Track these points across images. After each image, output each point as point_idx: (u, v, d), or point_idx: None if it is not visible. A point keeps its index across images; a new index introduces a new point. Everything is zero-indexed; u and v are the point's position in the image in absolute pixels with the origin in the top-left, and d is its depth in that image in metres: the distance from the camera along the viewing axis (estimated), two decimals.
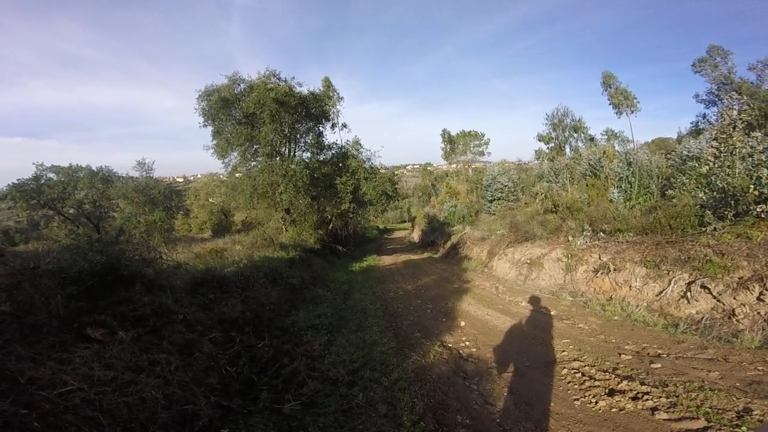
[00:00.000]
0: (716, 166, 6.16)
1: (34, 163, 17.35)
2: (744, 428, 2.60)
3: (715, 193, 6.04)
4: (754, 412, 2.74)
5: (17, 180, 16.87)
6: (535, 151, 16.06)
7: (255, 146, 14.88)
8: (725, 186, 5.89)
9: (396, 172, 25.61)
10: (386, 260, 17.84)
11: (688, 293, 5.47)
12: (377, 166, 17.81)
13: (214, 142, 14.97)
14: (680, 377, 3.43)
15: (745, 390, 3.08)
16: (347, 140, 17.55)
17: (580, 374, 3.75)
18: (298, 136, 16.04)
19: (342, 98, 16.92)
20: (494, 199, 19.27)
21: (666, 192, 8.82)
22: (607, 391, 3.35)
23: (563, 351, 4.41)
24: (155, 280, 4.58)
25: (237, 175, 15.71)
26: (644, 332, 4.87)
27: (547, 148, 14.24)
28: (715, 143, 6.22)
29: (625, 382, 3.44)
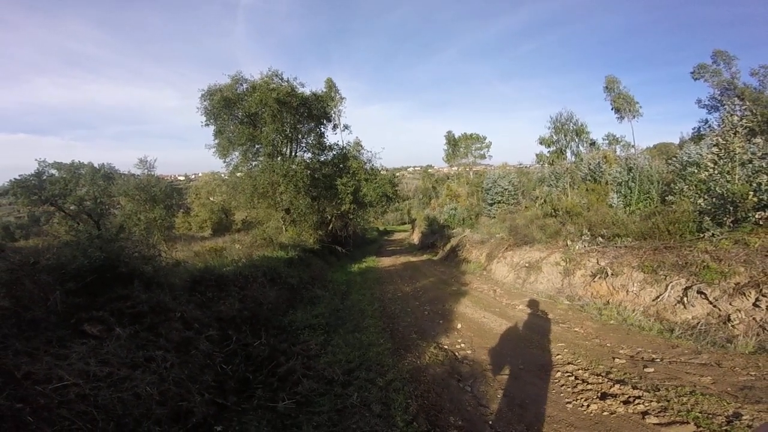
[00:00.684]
0: (716, 172, 6.16)
1: (36, 160, 17.48)
2: (757, 426, 2.62)
3: (714, 199, 6.05)
4: (744, 417, 2.75)
5: (19, 176, 16.97)
6: (537, 155, 16.10)
7: (256, 146, 14.95)
8: (724, 192, 5.90)
9: (397, 174, 25.66)
10: (385, 262, 17.86)
11: (685, 298, 5.48)
12: (378, 167, 17.87)
13: (216, 141, 15.05)
14: (672, 382, 3.44)
15: (736, 395, 3.10)
16: (348, 141, 17.62)
17: (573, 377, 3.76)
18: (300, 136, 16.11)
19: (344, 99, 17.00)
20: (494, 203, 19.27)
21: (666, 198, 8.82)
22: (599, 394, 3.37)
23: (558, 354, 4.42)
24: (154, 278, 4.60)
25: (238, 174, 15.78)
26: (639, 337, 4.88)
27: (549, 151, 14.26)
28: (715, 149, 6.22)
29: (617, 386, 3.46)
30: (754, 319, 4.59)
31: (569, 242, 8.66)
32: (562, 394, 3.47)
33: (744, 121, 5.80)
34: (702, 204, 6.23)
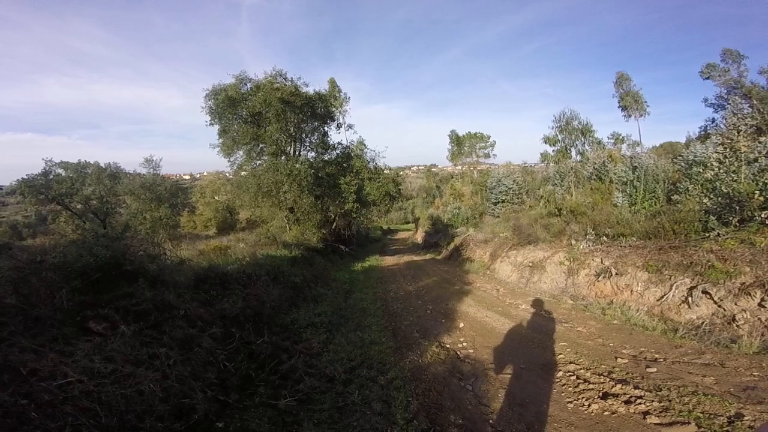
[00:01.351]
0: (721, 171, 6.10)
1: (43, 159, 17.69)
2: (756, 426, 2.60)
3: (719, 198, 5.99)
4: (746, 418, 2.73)
5: (26, 175, 17.19)
6: (541, 154, 16.00)
7: (260, 145, 15.02)
8: (730, 192, 5.83)
9: (400, 173, 25.65)
10: (389, 261, 17.88)
11: (690, 298, 5.44)
12: (381, 166, 17.88)
13: (221, 140, 15.14)
14: (675, 382, 3.42)
15: (738, 395, 3.08)
16: (352, 140, 17.65)
17: (575, 377, 3.75)
18: (304, 135, 16.16)
19: (348, 98, 17.02)
20: (498, 202, 19.21)
21: (672, 197, 8.74)
22: (600, 394, 3.36)
23: (560, 354, 4.41)
24: (158, 276, 4.66)
25: (242, 173, 15.86)
26: (643, 336, 4.85)
27: (553, 150, 14.18)
28: (720, 148, 6.16)
29: (619, 386, 3.45)
30: (759, 319, 4.54)
31: (573, 242, 8.61)
32: (563, 394, 3.46)
33: (749, 119, 5.73)
34: (707, 203, 6.18)
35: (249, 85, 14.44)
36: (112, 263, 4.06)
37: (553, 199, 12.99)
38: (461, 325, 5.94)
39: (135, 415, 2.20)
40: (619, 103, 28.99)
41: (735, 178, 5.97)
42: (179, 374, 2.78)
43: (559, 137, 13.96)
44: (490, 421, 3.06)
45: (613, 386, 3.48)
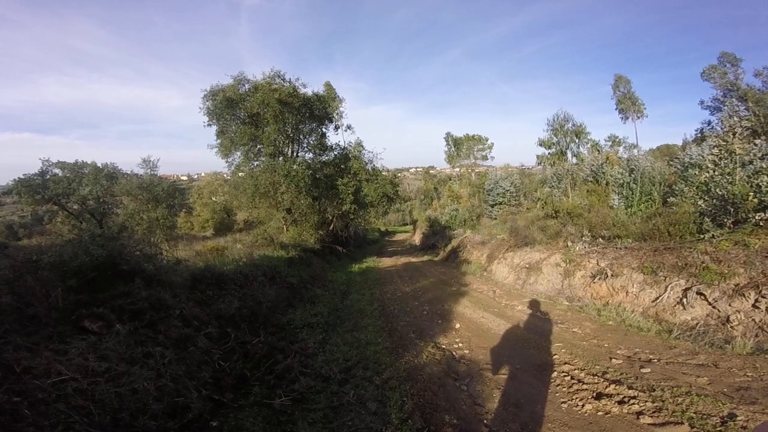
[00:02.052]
0: (716, 173, 6.15)
1: (40, 159, 17.60)
2: (753, 427, 2.62)
3: (714, 200, 6.03)
4: (738, 418, 2.75)
5: (23, 175, 17.09)
6: (537, 157, 16.09)
7: (258, 146, 15.02)
8: (725, 193, 5.88)
9: (398, 175, 25.69)
10: (386, 262, 17.88)
11: (684, 299, 5.47)
12: (379, 168, 17.90)
13: (218, 141, 15.14)
14: (668, 382, 3.44)
15: (732, 396, 3.10)
16: (350, 142, 17.67)
17: (569, 377, 3.77)
18: (301, 136, 16.17)
19: (343, 100, 17.02)
20: (496, 204, 19.28)
21: (668, 199, 8.81)
22: (594, 394, 3.38)
23: (555, 354, 4.43)
24: (154, 276, 4.65)
25: (240, 174, 15.84)
26: (637, 337, 4.88)
27: (549, 153, 14.26)
28: (715, 150, 6.21)
29: (612, 386, 3.46)
30: (753, 320, 4.58)
31: (570, 243, 8.65)
32: (557, 394, 3.48)
33: (744, 122, 5.79)
34: (702, 205, 6.22)
35: (247, 86, 14.46)
36: (108, 263, 4.05)
37: (550, 201, 13.05)
38: (457, 325, 5.95)
39: (129, 413, 2.20)
40: (616, 105, 29.22)
41: (730, 180, 6.02)
42: (174, 373, 2.78)
43: (554, 140, 14.06)
44: (485, 421, 3.07)
45: (607, 386, 3.50)
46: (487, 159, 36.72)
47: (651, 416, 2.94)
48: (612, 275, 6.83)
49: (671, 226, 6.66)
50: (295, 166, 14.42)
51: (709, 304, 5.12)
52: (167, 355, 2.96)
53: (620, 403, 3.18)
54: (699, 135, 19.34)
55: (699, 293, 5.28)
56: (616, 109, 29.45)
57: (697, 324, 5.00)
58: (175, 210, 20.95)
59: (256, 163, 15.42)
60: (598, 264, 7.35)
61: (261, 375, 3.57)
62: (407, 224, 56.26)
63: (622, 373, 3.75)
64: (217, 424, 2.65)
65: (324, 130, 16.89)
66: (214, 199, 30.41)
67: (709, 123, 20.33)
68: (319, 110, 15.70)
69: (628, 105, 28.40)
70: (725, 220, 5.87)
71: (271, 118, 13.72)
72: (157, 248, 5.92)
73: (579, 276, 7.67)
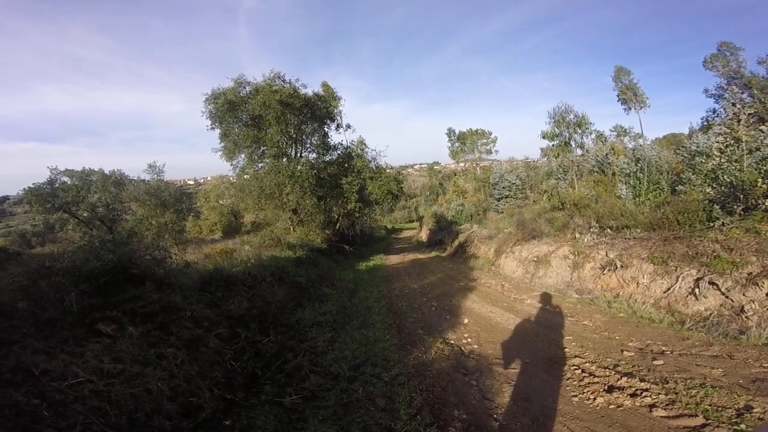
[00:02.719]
0: (723, 160, 6.04)
1: (48, 167, 17.88)
2: (743, 426, 2.57)
3: (722, 187, 5.93)
4: (755, 410, 2.71)
5: (33, 184, 17.39)
6: (542, 149, 15.95)
7: (262, 148, 15.10)
8: (733, 180, 5.77)
9: (403, 172, 25.65)
10: (393, 259, 17.89)
11: (696, 290, 5.39)
12: (383, 165, 17.89)
13: (222, 144, 15.25)
14: (682, 374, 3.40)
15: (747, 387, 3.05)
16: (352, 140, 17.68)
17: (580, 371, 3.75)
18: (304, 137, 16.22)
19: (341, 98, 17.02)
20: (502, 198, 19.16)
21: (677, 188, 8.67)
22: (606, 387, 3.35)
23: (565, 348, 4.40)
24: (165, 279, 4.72)
25: (245, 176, 15.96)
26: (649, 329, 4.83)
27: (552, 145, 14.14)
28: (720, 138, 6.10)
29: (624, 379, 3.43)
30: None
31: (577, 235, 8.57)
32: (568, 388, 3.46)
33: (748, 108, 5.68)
34: (711, 193, 6.12)
35: (248, 88, 14.52)
36: (119, 267, 4.13)
37: (556, 193, 12.93)
38: (466, 321, 5.95)
39: (144, 413, 2.25)
40: (618, 96, 28.86)
41: (738, 167, 5.91)
42: (186, 373, 2.83)
43: (557, 131, 13.94)
44: (494, 416, 3.07)
45: (618, 379, 3.47)
46: (492, 153, 36.50)
47: (664, 409, 2.91)
48: (621, 266, 6.75)
49: (680, 215, 6.56)
50: (299, 167, 14.49)
51: (722, 293, 5.04)
52: (179, 355, 3.01)
53: (632, 395, 3.15)
54: (705, 123, 19.04)
55: (711, 283, 5.20)
56: (618, 101, 29.11)
57: (710, 314, 4.92)
58: (183, 214, 21.19)
59: (260, 164, 15.52)
60: (607, 255, 7.28)
61: (272, 374, 3.61)
62: (414, 221, 56.17)
63: (634, 366, 3.71)
64: (230, 422, 2.70)
65: (326, 129, 16.92)
66: (221, 202, 30.69)
67: (714, 111, 20.04)
68: (320, 110, 15.73)
69: (629, 96, 28.03)
70: (735, 207, 5.77)
71: (273, 120, 13.78)
72: (166, 252, 6.01)
73: (588, 268, 7.59)
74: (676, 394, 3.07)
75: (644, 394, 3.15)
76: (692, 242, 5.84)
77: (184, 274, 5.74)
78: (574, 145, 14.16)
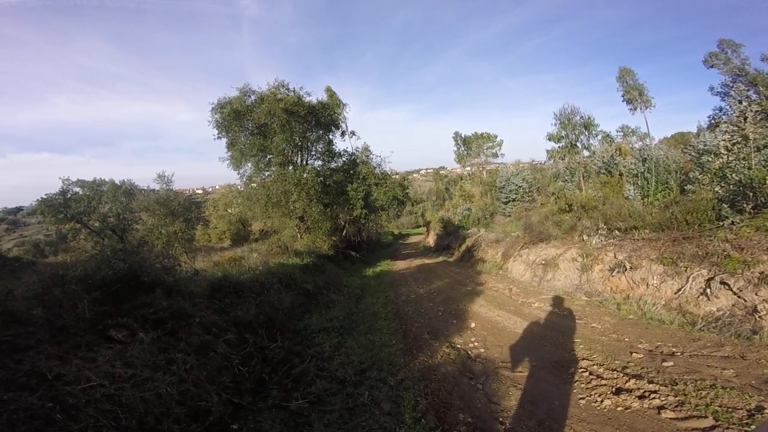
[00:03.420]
0: (731, 158, 5.97)
1: (60, 178, 18.32)
2: (753, 427, 2.53)
3: (731, 186, 5.85)
4: (766, 411, 2.66)
5: (45, 195, 17.84)
6: (547, 151, 15.90)
7: (268, 156, 15.30)
8: (742, 178, 5.70)
9: (408, 177, 25.71)
10: (400, 265, 17.88)
11: (708, 290, 5.29)
12: (388, 171, 17.97)
13: (229, 153, 15.49)
14: (692, 375, 3.35)
15: (760, 388, 2.99)
16: (357, 147, 17.81)
17: (587, 373, 3.71)
18: (309, 144, 16.39)
19: (346, 105, 17.18)
20: (509, 201, 19.09)
21: (686, 187, 8.56)
22: (613, 390, 3.31)
23: (573, 350, 4.36)
24: (174, 286, 4.82)
25: (252, 185, 16.16)
26: (659, 331, 4.76)
27: (558, 147, 14.09)
28: (726, 136, 6.04)
29: (633, 381, 3.39)
30: None
31: (585, 237, 8.49)
32: (575, 390, 3.43)
33: (755, 106, 5.62)
34: (720, 191, 6.04)
35: (253, 97, 14.77)
36: (130, 275, 4.24)
37: (563, 195, 12.83)
38: (472, 325, 5.92)
39: (153, 417, 2.30)
40: (623, 96, 28.64)
41: (746, 165, 5.83)
42: (195, 378, 2.88)
43: (563, 133, 13.89)
44: (500, 419, 3.05)
45: (626, 381, 3.43)
46: (497, 156, 36.42)
47: (673, 411, 2.87)
48: (631, 268, 6.67)
49: (689, 215, 6.47)
50: (305, 175, 14.63)
51: (734, 293, 4.94)
52: (189, 361, 3.07)
53: (640, 398, 3.12)
54: (712, 121, 18.82)
55: (723, 283, 5.10)
56: (623, 101, 28.89)
57: (722, 315, 4.82)
58: (192, 223, 21.50)
59: (267, 173, 15.71)
60: (615, 257, 7.19)
61: (279, 379, 3.65)
62: (420, 226, 56.03)
63: (642, 368, 3.66)
64: (238, 426, 2.74)
65: (331, 137, 17.09)
66: (229, 210, 31.06)
67: (721, 109, 19.80)
68: (324, 117, 15.91)
69: (634, 96, 27.80)
70: (744, 205, 5.68)
71: (278, 128, 13.97)
72: (176, 260, 6.13)
73: (597, 270, 7.51)
74: (686, 395, 3.03)
75: (653, 396, 3.11)
76: (702, 242, 5.76)
77: (193, 281, 5.84)
78: (580, 147, 14.08)
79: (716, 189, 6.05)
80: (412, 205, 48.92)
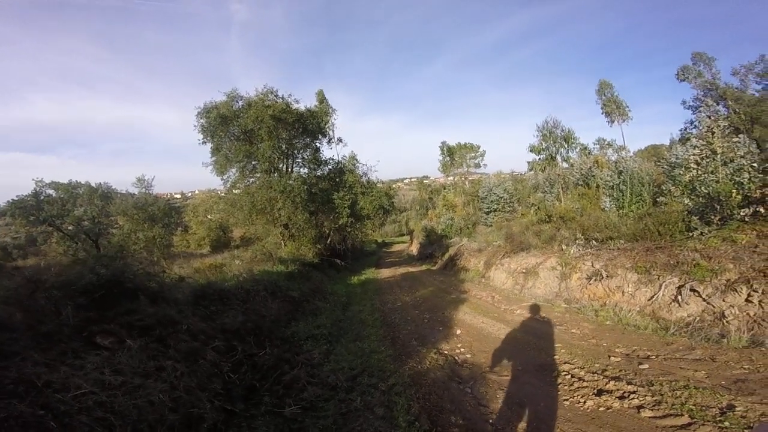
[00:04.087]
0: (700, 172, 6.39)
1: (33, 179, 17.41)
2: (727, 423, 2.70)
3: (700, 198, 6.25)
4: (737, 409, 2.85)
5: (17, 196, 16.90)
6: (528, 163, 16.45)
7: (253, 162, 15.14)
8: (710, 191, 6.10)
9: (393, 186, 25.93)
10: (385, 273, 17.90)
11: (679, 297, 5.61)
12: (374, 180, 18.09)
13: (213, 158, 15.23)
14: (667, 377, 3.55)
15: (729, 388, 3.20)
16: (344, 155, 17.87)
17: (570, 376, 3.86)
18: (296, 152, 16.33)
19: (335, 110, 17.27)
20: (491, 211, 19.52)
21: (658, 199, 9.05)
22: (595, 391, 3.47)
23: (555, 355, 4.52)
24: (159, 293, 4.72)
25: (236, 191, 15.90)
26: (635, 336, 5.00)
27: (539, 159, 14.64)
28: (696, 150, 6.47)
29: (612, 383, 3.57)
30: (747, 314, 4.70)
31: (564, 247, 8.81)
32: (559, 392, 3.56)
33: (721, 121, 6.06)
34: (689, 204, 6.44)
35: (241, 103, 14.65)
36: (113, 281, 4.13)
37: (543, 206, 13.29)
38: (458, 331, 6.03)
39: (147, 424, 2.26)
40: (602, 109, 30.03)
41: (714, 179, 6.26)
42: (186, 385, 2.84)
43: (544, 145, 14.47)
44: (490, 421, 3.14)
45: (607, 383, 3.60)
46: (480, 167, 37.21)
47: (651, 410, 3.04)
48: (607, 276, 6.97)
49: (661, 226, 6.86)
50: (290, 182, 14.54)
51: (704, 300, 5.25)
52: (179, 368, 3.02)
53: (620, 398, 3.28)
54: (684, 135, 19.93)
55: (693, 290, 5.42)
56: (602, 113, 30.29)
57: (692, 320, 5.12)
58: (171, 229, 20.85)
59: (251, 179, 15.51)
60: (593, 266, 7.50)
61: (270, 385, 3.62)
62: (404, 235, 56.29)
63: (621, 370, 3.85)
64: None
65: (318, 144, 17.10)
66: (209, 216, 30.32)
67: (692, 123, 20.96)
68: (312, 125, 15.93)
69: (612, 108, 29.22)
70: (712, 217, 6.08)
71: (265, 135, 13.88)
72: (160, 267, 5.99)
73: (575, 278, 7.80)
74: (662, 395, 3.21)
75: (632, 396, 3.28)
76: (673, 251, 6.11)
77: (177, 288, 5.72)
78: (560, 159, 14.67)
79: (686, 201, 6.45)
80: (397, 214, 49.18)
